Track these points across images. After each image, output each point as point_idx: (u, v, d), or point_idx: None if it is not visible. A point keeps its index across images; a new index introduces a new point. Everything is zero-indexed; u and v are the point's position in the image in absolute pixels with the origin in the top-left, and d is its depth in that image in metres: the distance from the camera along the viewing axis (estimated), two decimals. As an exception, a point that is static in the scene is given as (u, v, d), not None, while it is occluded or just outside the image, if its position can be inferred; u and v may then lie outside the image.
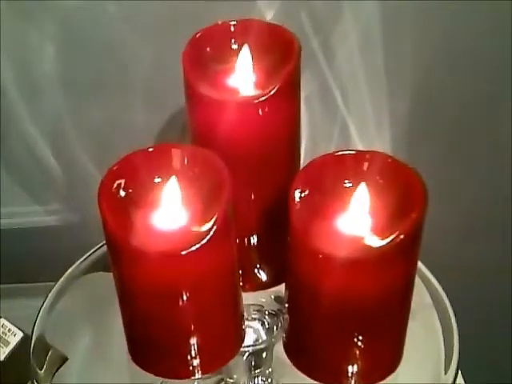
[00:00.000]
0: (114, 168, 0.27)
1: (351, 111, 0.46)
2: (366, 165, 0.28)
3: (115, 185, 0.27)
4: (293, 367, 0.30)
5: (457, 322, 0.35)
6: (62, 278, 0.37)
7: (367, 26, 0.43)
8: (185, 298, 0.27)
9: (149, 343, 0.29)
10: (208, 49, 0.30)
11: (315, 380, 0.29)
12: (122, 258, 0.27)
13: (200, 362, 0.29)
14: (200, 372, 0.29)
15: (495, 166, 0.51)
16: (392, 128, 0.47)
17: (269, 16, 0.41)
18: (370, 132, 0.47)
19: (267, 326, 0.36)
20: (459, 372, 0.34)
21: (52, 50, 0.43)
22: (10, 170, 0.49)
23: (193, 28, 0.30)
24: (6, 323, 0.41)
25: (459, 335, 0.35)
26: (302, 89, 0.31)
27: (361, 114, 0.46)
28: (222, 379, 0.36)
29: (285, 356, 0.31)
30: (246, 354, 0.35)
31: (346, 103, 0.46)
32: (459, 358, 0.34)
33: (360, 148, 0.46)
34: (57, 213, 0.51)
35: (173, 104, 0.45)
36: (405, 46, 0.44)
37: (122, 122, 0.46)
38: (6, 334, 0.41)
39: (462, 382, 0.45)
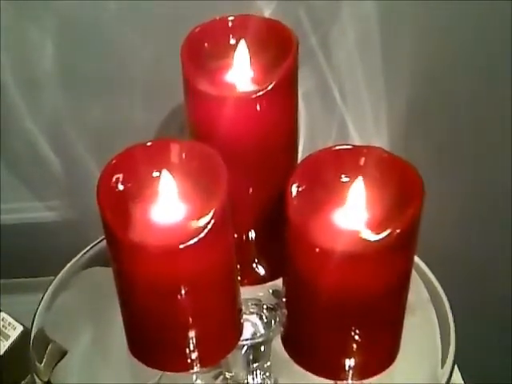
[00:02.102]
0: (113, 162, 0.27)
1: (349, 108, 0.46)
2: (363, 159, 0.28)
3: (114, 179, 0.27)
4: (291, 361, 0.30)
5: (453, 317, 0.35)
6: (62, 273, 0.37)
7: (365, 22, 0.43)
8: (183, 291, 0.27)
9: (148, 337, 0.29)
10: (206, 44, 0.30)
11: (313, 373, 0.30)
12: (120, 251, 0.27)
13: (199, 355, 0.29)
14: (199, 365, 0.29)
15: (493, 163, 0.51)
16: (390, 124, 0.47)
17: (267, 13, 0.41)
18: (367, 128, 0.47)
19: (265, 320, 0.36)
20: (456, 367, 0.34)
21: (52, 48, 0.43)
22: (10, 167, 0.49)
23: (192, 26, 0.31)
24: (6, 317, 0.41)
25: (456, 330, 0.35)
26: (300, 86, 0.31)
27: (359, 110, 0.47)
28: (221, 373, 0.36)
29: (283, 350, 0.31)
30: (245, 347, 0.35)
31: (344, 100, 0.46)
32: (456, 352, 0.34)
33: (358, 144, 0.46)
34: (56, 209, 0.51)
35: (172, 102, 0.45)
36: (403, 42, 0.45)
37: (122, 119, 0.46)
38: (6, 328, 0.41)
39: (460, 377, 0.46)
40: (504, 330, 0.58)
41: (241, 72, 0.30)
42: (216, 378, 0.36)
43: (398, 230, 0.26)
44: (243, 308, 0.31)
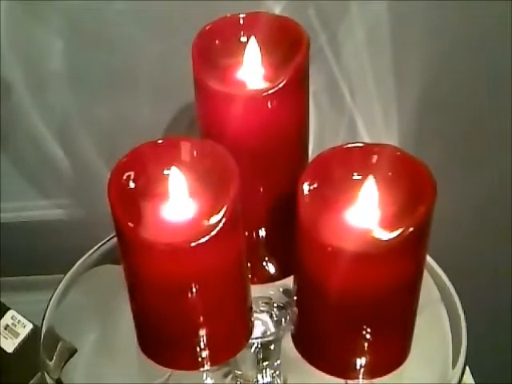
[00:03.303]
0: (124, 160, 0.27)
1: (359, 106, 0.46)
2: (374, 158, 0.28)
3: (125, 177, 0.27)
4: (301, 360, 0.30)
5: (465, 317, 0.35)
6: (72, 270, 0.37)
7: (375, 21, 0.43)
8: (193, 289, 0.27)
9: (158, 335, 0.29)
10: (217, 42, 0.30)
11: (323, 372, 0.29)
12: (131, 249, 0.27)
13: (208, 353, 0.29)
14: (208, 364, 0.29)
15: (503, 163, 0.50)
16: (399, 123, 0.47)
17: (276, 12, 0.41)
18: (377, 127, 0.47)
19: (275, 319, 0.36)
20: (467, 368, 0.34)
21: (60, 48, 0.43)
22: (19, 165, 0.49)
23: (200, 25, 0.31)
24: (16, 315, 0.41)
25: (467, 330, 0.35)
26: (309, 84, 0.31)
27: (368, 109, 0.46)
28: (230, 371, 0.36)
29: (293, 348, 0.31)
30: (254, 346, 0.35)
31: (354, 98, 0.46)
32: (467, 353, 0.34)
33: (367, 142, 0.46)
34: (65, 207, 0.51)
35: (180, 100, 0.45)
36: (412, 41, 0.44)
37: (130, 118, 0.46)
38: (15, 326, 0.41)
39: (470, 377, 0.45)
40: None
41: (251, 70, 0.30)
42: (225, 376, 0.36)
43: (410, 229, 0.26)
44: (253, 306, 0.31)
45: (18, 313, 0.42)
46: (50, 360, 0.34)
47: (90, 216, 0.50)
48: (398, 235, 0.26)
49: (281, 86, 0.28)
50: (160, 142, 0.28)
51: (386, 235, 0.26)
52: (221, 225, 0.25)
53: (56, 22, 0.43)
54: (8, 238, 0.50)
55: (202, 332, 0.28)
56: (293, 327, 0.31)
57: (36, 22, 0.42)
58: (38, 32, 0.43)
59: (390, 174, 0.28)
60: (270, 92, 0.28)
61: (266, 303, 0.36)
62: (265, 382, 0.36)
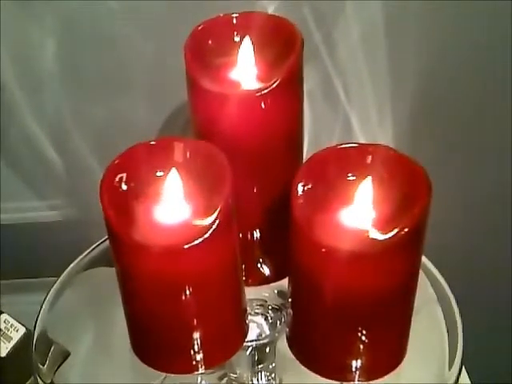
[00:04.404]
0: (116, 161, 0.27)
1: (353, 106, 0.46)
2: (369, 158, 0.28)
3: (117, 178, 0.27)
4: (296, 362, 0.30)
5: (461, 317, 0.35)
6: (65, 273, 0.37)
7: (370, 20, 0.43)
8: (187, 292, 0.27)
9: (151, 338, 0.29)
10: (210, 41, 0.30)
11: (319, 374, 0.29)
12: (124, 252, 0.26)
13: (203, 356, 0.29)
14: (203, 367, 0.29)
15: (497, 163, 0.50)
16: (394, 122, 0.47)
17: (270, 11, 0.41)
18: (372, 126, 0.47)
19: (270, 321, 0.36)
20: (463, 369, 0.34)
21: (54, 47, 0.43)
22: (12, 166, 0.49)
23: (194, 25, 0.30)
24: (9, 319, 0.41)
25: (465, 331, 0.34)
26: (304, 83, 0.31)
27: (363, 108, 0.46)
28: (225, 374, 0.36)
29: (288, 351, 0.30)
30: (249, 348, 0.35)
31: (349, 98, 0.46)
32: (463, 354, 0.34)
33: (362, 142, 0.46)
34: (59, 208, 0.51)
35: (174, 100, 0.45)
36: (407, 40, 0.44)
37: (124, 118, 0.46)
38: (8, 330, 0.41)
39: (467, 378, 0.45)
40: (509, 329, 0.58)
41: (245, 69, 0.30)
42: (221, 379, 0.36)
43: (405, 229, 0.25)
44: (248, 308, 0.31)
45: (13, 316, 0.42)
46: (43, 364, 0.34)
47: (84, 217, 0.50)
48: (393, 235, 0.25)
49: (274, 85, 0.28)
50: (153, 142, 0.28)
51: (380, 235, 0.26)
52: (214, 226, 0.25)
53: (50, 21, 0.42)
54: (3, 239, 0.50)
55: (197, 335, 0.28)
56: (288, 329, 0.30)
57: (30, 22, 0.42)
58: (31, 32, 0.43)
59: (384, 174, 0.27)
60: (263, 92, 0.28)
61: (261, 305, 0.36)
62: (260, 384, 0.36)
